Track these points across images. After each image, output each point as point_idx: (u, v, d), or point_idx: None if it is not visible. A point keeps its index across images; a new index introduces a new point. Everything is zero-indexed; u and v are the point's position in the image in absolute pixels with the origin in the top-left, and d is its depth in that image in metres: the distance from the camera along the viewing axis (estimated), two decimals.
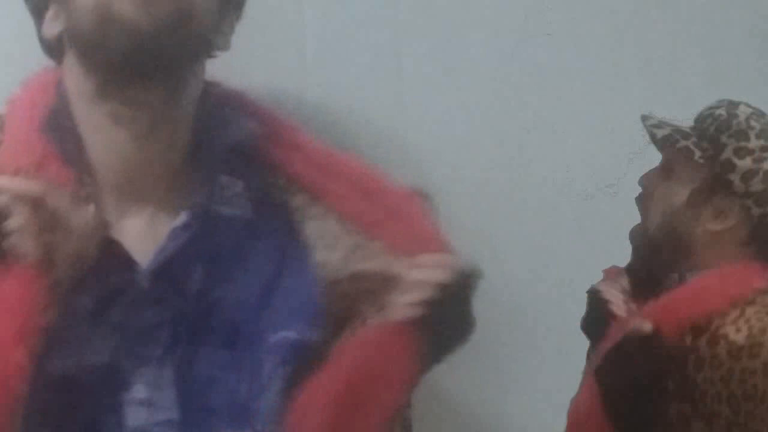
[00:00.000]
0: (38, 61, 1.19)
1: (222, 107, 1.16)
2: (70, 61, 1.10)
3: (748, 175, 1.39)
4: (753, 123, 1.43)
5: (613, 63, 1.91)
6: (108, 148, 1.08)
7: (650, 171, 1.49)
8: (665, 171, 1.46)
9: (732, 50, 1.95)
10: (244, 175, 1.14)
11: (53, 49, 1.15)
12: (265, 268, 1.12)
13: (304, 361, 1.07)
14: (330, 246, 1.13)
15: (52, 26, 1.13)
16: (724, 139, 1.41)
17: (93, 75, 1.07)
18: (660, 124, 1.47)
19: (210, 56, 1.16)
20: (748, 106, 1.47)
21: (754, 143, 1.41)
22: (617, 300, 1.41)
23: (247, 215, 1.13)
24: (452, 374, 1.42)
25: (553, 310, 1.80)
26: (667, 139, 1.44)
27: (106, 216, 1.08)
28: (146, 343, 1.06)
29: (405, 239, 1.12)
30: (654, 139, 1.46)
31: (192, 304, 1.08)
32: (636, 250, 1.47)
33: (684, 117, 1.68)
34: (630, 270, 1.48)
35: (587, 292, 1.47)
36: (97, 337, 1.05)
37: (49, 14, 1.13)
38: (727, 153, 1.40)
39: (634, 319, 1.35)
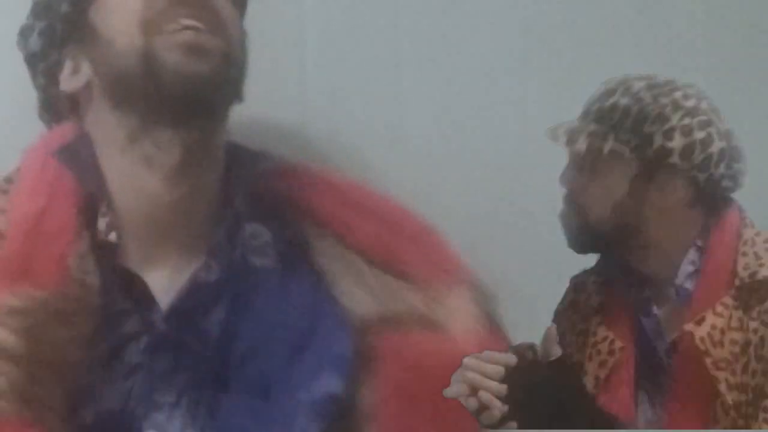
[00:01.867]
0: None
1: (243, 153, 1.18)
2: (98, 112, 1.10)
3: (686, 151, 1.43)
4: (662, 100, 1.45)
5: (615, 64, 1.92)
6: (138, 192, 1.08)
7: (568, 170, 1.52)
8: (589, 170, 1.48)
9: (732, 50, 1.96)
10: (272, 224, 1.15)
11: (61, 106, 1.15)
12: (298, 320, 1.11)
13: (337, 414, 1.06)
14: (358, 283, 1.12)
15: (73, 80, 1.13)
16: (647, 128, 1.43)
17: (127, 120, 1.07)
18: (570, 135, 1.48)
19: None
20: (639, 78, 1.49)
21: (675, 120, 1.44)
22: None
23: (275, 265, 1.13)
24: None
25: None
26: (590, 151, 1.46)
27: (132, 258, 1.08)
28: (160, 389, 1.04)
29: (427, 268, 1.13)
30: (577, 155, 1.49)
31: (213, 350, 1.06)
32: (578, 238, 1.52)
33: None
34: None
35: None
36: (113, 382, 1.03)
37: (66, 71, 1.13)
38: (658, 141, 1.43)
39: None
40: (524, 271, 1.74)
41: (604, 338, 1.50)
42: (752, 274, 1.42)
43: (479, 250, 1.57)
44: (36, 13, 1.17)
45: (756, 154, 1.77)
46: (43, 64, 1.16)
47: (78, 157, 1.09)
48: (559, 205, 1.63)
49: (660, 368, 1.48)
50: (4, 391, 0.94)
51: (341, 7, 1.75)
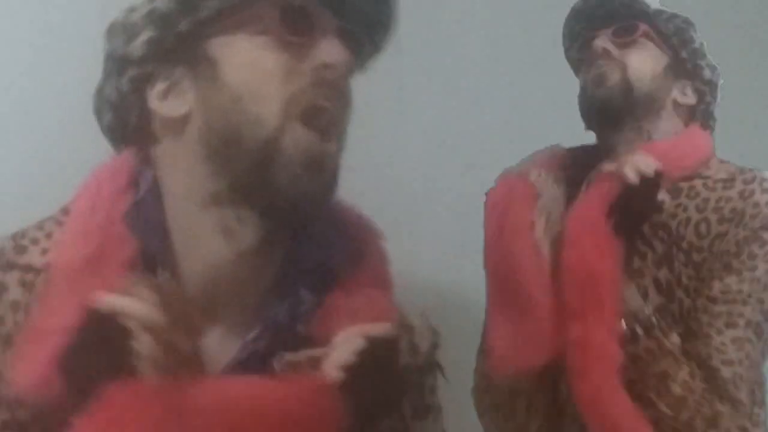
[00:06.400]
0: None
1: (315, 226, 1.08)
2: (186, 154, 1.01)
3: (713, 67, 1.67)
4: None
5: None
6: (205, 257, 1.01)
7: (599, 40, 1.63)
8: (625, 41, 1.62)
9: (732, 49, 1.96)
10: (319, 291, 1.06)
11: (132, 122, 1.05)
12: None
13: None
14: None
15: (168, 105, 1.02)
16: (691, 32, 1.64)
17: (216, 179, 0.99)
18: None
19: None
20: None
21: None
22: None
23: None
24: None
25: None
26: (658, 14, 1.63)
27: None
28: None
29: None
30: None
31: None
32: (610, 97, 1.61)
33: None
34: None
35: None
36: None
37: (159, 88, 1.02)
38: (698, 44, 1.65)
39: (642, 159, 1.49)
40: None
41: None
42: None
43: (476, 238, 1.58)
44: (151, 19, 1.03)
45: (756, 152, 1.78)
46: (136, 71, 1.03)
47: (145, 214, 1.02)
48: None
49: None
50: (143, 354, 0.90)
51: None
